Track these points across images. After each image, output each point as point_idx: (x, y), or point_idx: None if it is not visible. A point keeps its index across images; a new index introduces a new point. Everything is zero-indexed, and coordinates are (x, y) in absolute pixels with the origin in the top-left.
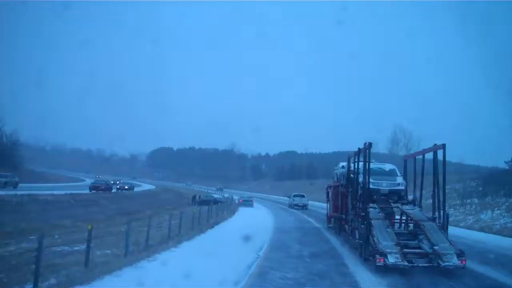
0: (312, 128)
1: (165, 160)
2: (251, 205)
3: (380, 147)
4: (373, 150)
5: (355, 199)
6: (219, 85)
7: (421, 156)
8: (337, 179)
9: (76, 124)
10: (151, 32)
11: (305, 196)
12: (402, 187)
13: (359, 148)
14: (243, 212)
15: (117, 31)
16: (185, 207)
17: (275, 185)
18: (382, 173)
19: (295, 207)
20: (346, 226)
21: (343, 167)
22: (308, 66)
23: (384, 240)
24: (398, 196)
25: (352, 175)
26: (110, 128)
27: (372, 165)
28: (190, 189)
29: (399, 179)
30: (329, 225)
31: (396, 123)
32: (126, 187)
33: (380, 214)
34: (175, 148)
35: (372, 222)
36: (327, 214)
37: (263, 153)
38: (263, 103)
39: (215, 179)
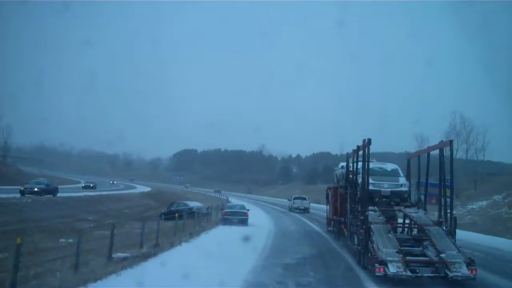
0: (346, 129)
1: (189, 163)
2: (243, 222)
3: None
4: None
5: (354, 201)
6: (246, 85)
7: (425, 155)
8: (337, 180)
9: (101, 128)
10: (168, 32)
11: (307, 198)
12: (405, 188)
13: (358, 146)
14: (216, 234)
15: (127, 31)
16: (132, 221)
17: (306, 189)
18: (383, 173)
19: (296, 211)
20: (345, 230)
21: (342, 167)
22: (344, 68)
23: (385, 246)
24: (400, 198)
25: (351, 176)
26: (134, 132)
27: (372, 165)
28: (185, 193)
29: (402, 180)
30: (329, 229)
31: (454, 111)
32: (35, 189)
33: (380, 217)
34: (199, 150)
35: (372, 226)
36: (327, 216)
37: (294, 155)
38: (294, 103)
39: (241, 183)
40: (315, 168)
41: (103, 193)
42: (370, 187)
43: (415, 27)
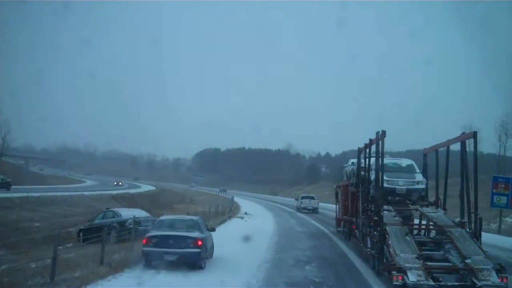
0: (378, 125)
1: (212, 163)
2: (188, 261)
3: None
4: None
5: (366, 200)
6: (271, 82)
7: (443, 149)
8: (347, 177)
9: (125, 130)
10: (187, 28)
11: (315, 197)
12: (422, 186)
13: (370, 140)
14: None
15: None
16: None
17: None
18: (398, 170)
19: (303, 211)
20: (356, 231)
21: (353, 163)
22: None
23: (403, 251)
24: (417, 196)
25: (362, 172)
26: (157, 132)
27: (386, 160)
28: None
29: (419, 177)
30: (339, 229)
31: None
32: None
33: (396, 218)
34: (222, 149)
35: (387, 228)
36: (336, 216)
37: (322, 153)
38: (322, 101)
39: (265, 183)
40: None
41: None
42: (384, 185)
43: (415, 27)
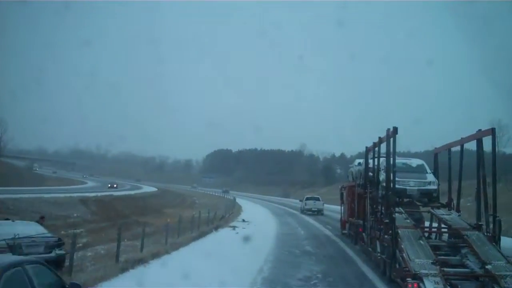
0: (392, 124)
1: (223, 164)
2: None
3: None
4: None
5: (375, 201)
6: (277, 83)
7: (457, 148)
8: (353, 178)
9: (136, 131)
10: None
11: (320, 199)
12: (434, 187)
13: (379, 138)
14: None
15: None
16: None
17: None
18: (408, 170)
19: (308, 213)
20: (364, 234)
21: (359, 164)
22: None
23: (417, 256)
24: (428, 197)
25: (370, 173)
26: (168, 134)
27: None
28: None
29: (430, 177)
30: (344, 231)
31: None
32: None
33: (408, 220)
34: (234, 150)
35: (400, 231)
36: (341, 218)
37: (337, 154)
38: (338, 99)
39: (278, 185)
40: None
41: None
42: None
43: (415, 27)
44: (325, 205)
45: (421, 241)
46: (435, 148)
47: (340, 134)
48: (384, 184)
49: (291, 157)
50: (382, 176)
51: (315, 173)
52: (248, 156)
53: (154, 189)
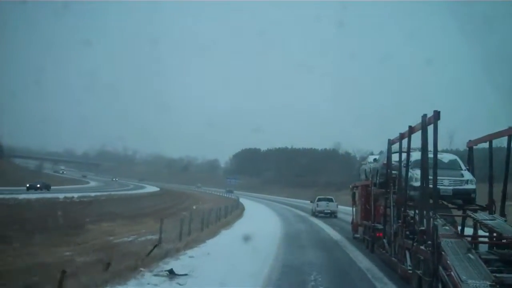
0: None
1: (250, 164)
2: None
3: None
4: None
5: (402, 203)
6: (308, 80)
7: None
8: (366, 176)
9: (163, 133)
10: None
11: (334, 200)
12: (472, 186)
13: (410, 127)
14: None
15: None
16: None
17: None
18: (440, 166)
19: (320, 215)
20: (384, 240)
21: (375, 160)
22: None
23: (470, 276)
24: (465, 199)
25: (393, 171)
26: (195, 134)
27: (419, 155)
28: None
29: (467, 175)
30: (356, 235)
31: None
32: None
33: (447, 227)
34: (262, 149)
35: (442, 243)
36: (352, 220)
37: (376, 152)
38: (376, 97)
39: (310, 186)
40: None
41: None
42: (418, 184)
43: (415, 27)
44: (339, 206)
45: (471, 255)
46: (470, 140)
47: (377, 131)
48: (415, 183)
49: (324, 156)
50: (414, 173)
51: (351, 174)
52: (278, 156)
53: (153, 189)
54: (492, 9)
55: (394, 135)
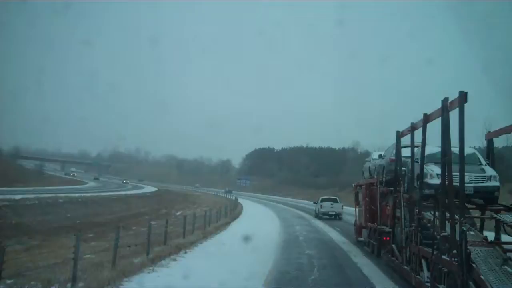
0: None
1: (263, 164)
2: None
3: None
4: None
5: (416, 204)
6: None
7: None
8: (370, 174)
9: (176, 135)
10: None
11: (339, 200)
12: (495, 183)
13: (425, 115)
14: None
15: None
16: None
17: None
18: (456, 162)
19: (324, 217)
20: (393, 245)
21: (380, 156)
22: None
23: None
24: (488, 198)
25: (403, 168)
26: (208, 135)
27: (436, 149)
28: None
29: (489, 170)
30: (360, 239)
31: None
32: None
33: (472, 233)
34: (276, 148)
35: (471, 251)
36: (355, 222)
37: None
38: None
39: (326, 187)
40: None
41: None
42: (434, 181)
43: (415, 27)
44: (344, 207)
45: (508, 267)
46: (488, 132)
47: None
48: (430, 180)
49: (342, 156)
50: (429, 169)
51: None
52: (293, 155)
53: (146, 190)
54: (493, 9)
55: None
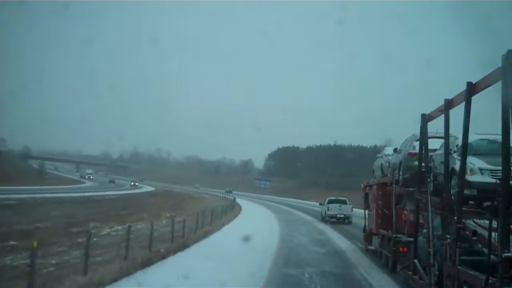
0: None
1: (287, 164)
2: None
3: None
4: None
5: (453, 209)
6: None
7: None
8: (383, 172)
9: (200, 136)
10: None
11: (348, 202)
12: None
13: (470, 83)
14: None
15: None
16: None
17: None
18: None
19: (331, 220)
20: (415, 261)
21: (396, 150)
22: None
23: None
24: None
25: (430, 163)
26: (231, 135)
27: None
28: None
29: None
30: (369, 247)
31: None
32: None
33: None
34: (301, 147)
35: None
36: (364, 228)
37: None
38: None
39: (357, 189)
40: None
41: None
42: (476, 179)
43: (415, 27)
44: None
45: None
46: None
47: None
48: (472, 177)
49: (374, 154)
50: (468, 163)
51: None
52: (319, 154)
53: (152, 188)
54: (493, 8)
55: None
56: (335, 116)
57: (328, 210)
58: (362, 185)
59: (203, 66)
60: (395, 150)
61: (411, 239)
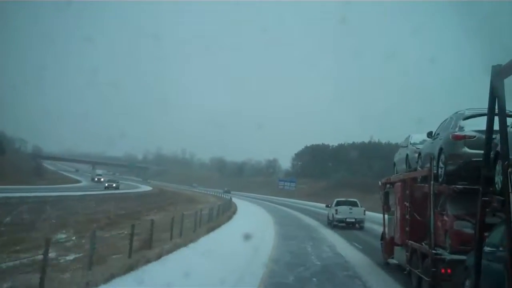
0: None
1: (316, 164)
2: None
3: None
4: None
5: None
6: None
7: None
8: (409, 165)
9: (224, 137)
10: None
11: (359, 204)
12: None
13: None
14: None
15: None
16: None
17: None
18: None
19: (340, 225)
20: None
21: (431, 135)
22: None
23: None
24: None
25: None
26: (258, 136)
27: None
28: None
29: None
30: (390, 260)
31: None
32: None
33: None
34: (332, 145)
35: None
36: (383, 236)
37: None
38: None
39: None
40: None
41: None
42: None
43: (418, 26)
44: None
45: None
46: None
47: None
48: None
49: None
50: None
51: None
52: (353, 152)
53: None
54: (497, 8)
55: None
56: (369, 110)
57: (336, 213)
58: (380, 183)
59: (219, 65)
60: (429, 134)
61: (460, 256)
